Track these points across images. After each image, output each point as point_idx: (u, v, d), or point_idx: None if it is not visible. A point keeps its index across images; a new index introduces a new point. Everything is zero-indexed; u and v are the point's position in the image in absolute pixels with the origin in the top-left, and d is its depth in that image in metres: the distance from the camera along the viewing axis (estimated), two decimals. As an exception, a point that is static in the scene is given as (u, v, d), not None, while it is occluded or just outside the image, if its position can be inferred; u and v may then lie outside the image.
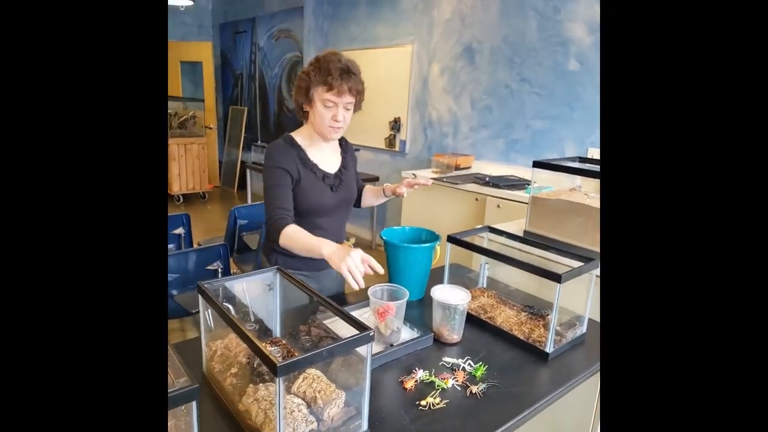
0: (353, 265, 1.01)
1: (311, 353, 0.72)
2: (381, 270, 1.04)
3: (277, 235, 1.25)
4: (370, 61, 4.18)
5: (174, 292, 1.80)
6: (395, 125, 4.01)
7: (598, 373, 1.61)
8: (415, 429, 0.89)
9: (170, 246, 2.40)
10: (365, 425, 0.84)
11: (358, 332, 0.79)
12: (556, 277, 1.10)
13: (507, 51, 3.11)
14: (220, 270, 1.91)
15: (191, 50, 6.33)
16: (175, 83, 6.42)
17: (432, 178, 3.02)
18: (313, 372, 0.91)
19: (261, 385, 0.88)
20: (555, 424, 1.78)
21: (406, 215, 3.28)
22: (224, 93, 6.77)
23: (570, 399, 1.43)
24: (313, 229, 1.32)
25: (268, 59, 5.67)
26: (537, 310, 1.35)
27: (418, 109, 3.82)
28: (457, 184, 2.80)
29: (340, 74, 1.26)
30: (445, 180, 2.88)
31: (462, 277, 1.64)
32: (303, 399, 0.86)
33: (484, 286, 1.55)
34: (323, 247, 1.13)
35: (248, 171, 5.19)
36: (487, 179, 2.76)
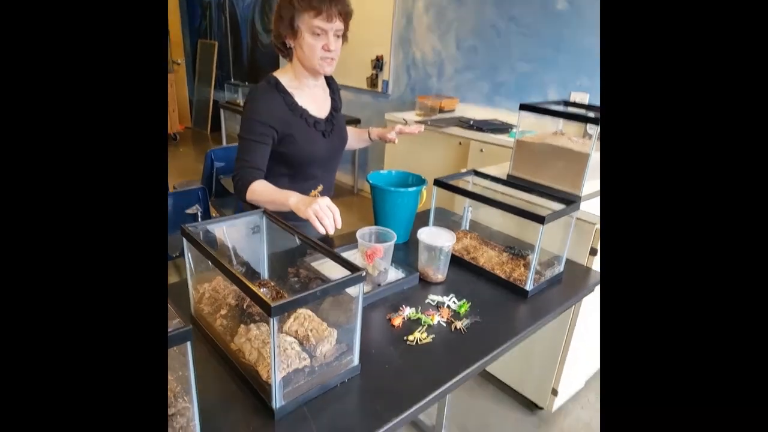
0: (319, 209, 1.00)
1: (305, 293, 0.73)
2: (340, 224, 1.03)
3: (244, 190, 1.20)
4: (350, -6, 3.95)
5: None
6: (378, 64, 3.87)
7: (572, 308, 1.69)
8: (403, 362, 0.93)
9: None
10: (356, 360, 0.88)
11: (350, 273, 0.80)
12: (540, 219, 1.12)
13: (495, -14, 2.97)
14: (199, 213, 1.88)
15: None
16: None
17: (416, 122, 2.97)
18: (304, 311, 0.92)
19: (252, 325, 0.90)
20: (529, 352, 1.90)
21: (390, 159, 3.25)
22: (191, 24, 6.32)
23: (544, 331, 1.52)
24: (308, 180, 1.27)
25: (240, -10, 5.30)
26: (518, 250, 1.39)
27: (402, 47, 3.68)
28: (441, 127, 2.76)
29: None
30: (429, 123, 2.84)
31: (446, 220, 1.66)
32: (295, 337, 0.88)
33: (467, 228, 1.58)
34: (290, 198, 1.10)
35: (222, 111, 4.99)
36: (471, 123, 2.73)
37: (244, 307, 0.97)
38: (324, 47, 1.20)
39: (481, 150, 2.60)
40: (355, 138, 1.52)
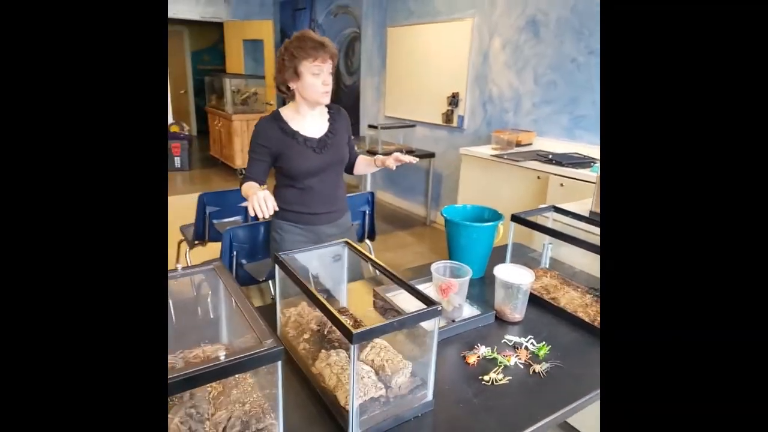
0: (256, 198, 1.24)
1: (384, 323, 0.75)
2: (271, 210, 1.24)
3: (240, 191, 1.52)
4: (427, 35, 4.10)
5: (243, 261, 1.92)
6: (453, 100, 3.94)
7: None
8: (478, 402, 0.91)
9: (237, 218, 2.54)
10: (430, 395, 0.88)
11: (426, 306, 0.82)
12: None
13: (574, 22, 2.93)
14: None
15: (253, 29, 6.48)
16: (238, 61, 6.63)
17: (492, 155, 2.96)
18: (380, 342, 0.95)
19: (333, 351, 0.94)
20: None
21: (464, 192, 3.25)
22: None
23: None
24: (305, 190, 1.57)
25: (326, 36, 5.70)
26: (603, 293, 1.32)
27: (478, 84, 3.72)
28: (517, 161, 2.73)
29: (320, 46, 1.45)
30: (505, 157, 2.81)
31: (524, 256, 1.62)
32: (371, 367, 0.90)
33: (547, 266, 1.53)
34: (250, 189, 1.40)
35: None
36: (550, 156, 2.66)
37: (325, 332, 1.01)
38: (323, 82, 1.48)
39: (561, 185, 2.52)
40: (364, 164, 1.75)
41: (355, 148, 1.77)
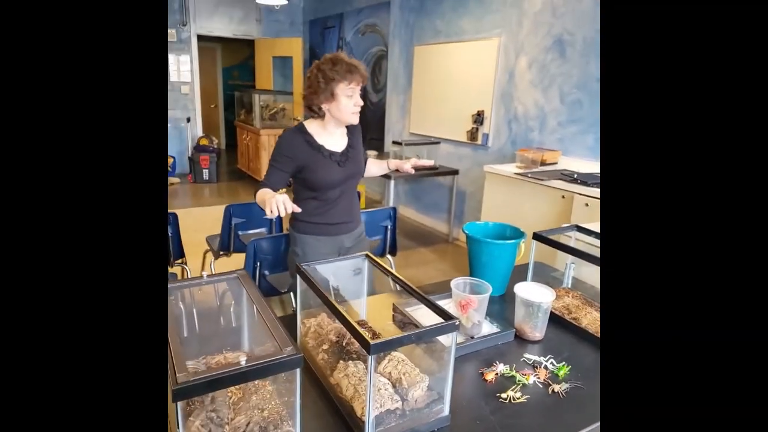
0: (274, 201, 1.26)
1: (402, 335, 0.76)
2: (295, 209, 1.30)
3: (255, 197, 1.54)
4: (454, 54, 4.15)
5: (266, 272, 1.96)
6: (478, 118, 3.96)
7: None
8: (495, 420, 0.91)
9: (262, 230, 2.60)
10: (447, 410, 0.88)
11: (443, 320, 0.83)
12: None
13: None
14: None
15: (283, 46, 6.69)
16: (267, 77, 6.83)
17: (516, 173, 2.95)
18: (398, 355, 0.96)
19: (351, 362, 0.95)
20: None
21: (487, 210, 3.23)
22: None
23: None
24: (326, 202, 1.61)
25: (354, 54, 5.84)
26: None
27: (503, 102, 3.73)
28: (542, 180, 2.71)
29: (355, 68, 1.52)
30: (529, 175, 2.80)
31: (546, 276, 1.60)
32: (388, 379, 0.91)
33: (569, 286, 1.51)
34: (267, 194, 1.40)
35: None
36: (575, 176, 2.63)
37: (344, 344, 1.03)
38: (356, 104, 1.56)
39: (587, 204, 2.49)
40: (375, 166, 1.83)
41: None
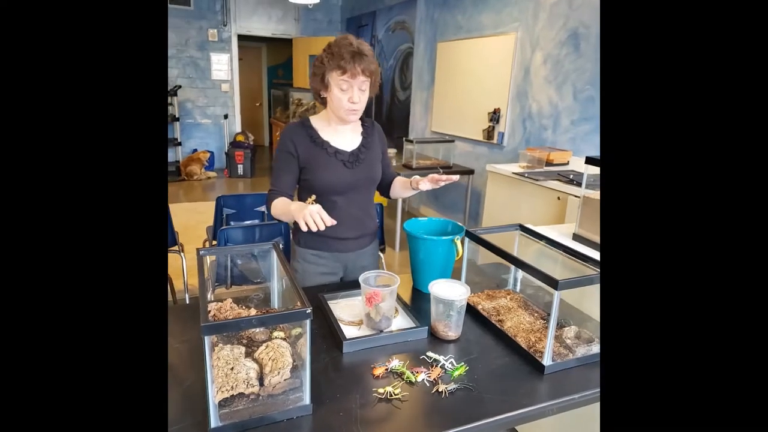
0: (308, 214, 1.12)
1: (240, 318, 0.77)
2: (330, 221, 1.13)
3: (269, 209, 1.36)
4: (473, 50, 4.06)
5: (238, 261, 2.03)
6: (494, 116, 3.84)
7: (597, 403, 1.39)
8: (361, 414, 0.89)
9: (256, 221, 2.69)
10: (307, 399, 0.87)
11: (297, 308, 0.83)
12: (554, 283, 0.98)
13: (619, 34, 2.75)
14: (280, 245, 2.07)
15: (319, 44, 6.81)
16: (304, 75, 6.99)
17: (514, 173, 2.84)
18: (278, 342, 0.97)
19: (228, 345, 0.97)
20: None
21: (488, 211, 3.14)
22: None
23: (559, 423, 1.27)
24: (331, 208, 1.32)
25: (384, 51, 5.85)
26: (560, 319, 1.22)
27: (519, 100, 3.60)
28: (538, 180, 2.60)
29: (352, 57, 1.25)
30: (526, 175, 2.69)
31: (497, 277, 1.54)
32: (260, 365, 0.92)
33: (517, 288, 1.44)
34: (292, 205, 1.24)
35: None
36: (571, 177, 2.50)
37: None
38: (349, 99, 1.30)
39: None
40: (401, 187, 1.53)
41: (392, 167, 1.58)
